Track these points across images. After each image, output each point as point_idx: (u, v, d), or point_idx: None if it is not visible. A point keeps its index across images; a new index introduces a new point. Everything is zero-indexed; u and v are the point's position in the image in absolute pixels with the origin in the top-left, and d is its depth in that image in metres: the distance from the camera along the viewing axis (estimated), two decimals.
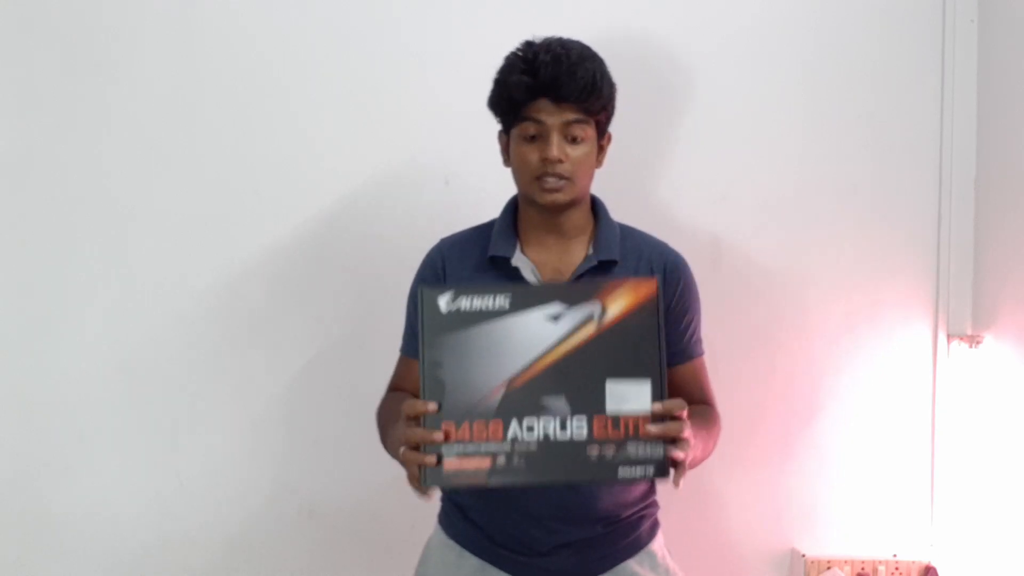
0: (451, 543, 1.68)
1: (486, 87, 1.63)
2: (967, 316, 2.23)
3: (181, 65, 2.17)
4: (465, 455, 1.39)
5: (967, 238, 2.24)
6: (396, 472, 2.09)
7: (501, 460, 1.39)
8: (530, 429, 1.40)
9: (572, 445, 1.40)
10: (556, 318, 1.41)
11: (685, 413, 1.41)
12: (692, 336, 1.69)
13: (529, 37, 1.60)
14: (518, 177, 1.62)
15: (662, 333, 1.42)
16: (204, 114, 2.17)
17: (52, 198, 2.16)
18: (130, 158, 2.17)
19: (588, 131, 1.58)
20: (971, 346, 2.19)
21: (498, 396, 1.40)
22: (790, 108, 2.24)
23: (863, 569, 2.22)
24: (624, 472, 1.40)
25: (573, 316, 1.41)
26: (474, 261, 1.65)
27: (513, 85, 1.56)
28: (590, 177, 1.63)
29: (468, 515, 1.67)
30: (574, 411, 1.40)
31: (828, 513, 2.27)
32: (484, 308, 1.41)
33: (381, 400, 1.71)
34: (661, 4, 2.22)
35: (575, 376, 1.40)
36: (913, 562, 2.23)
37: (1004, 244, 2.15)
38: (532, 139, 1.57)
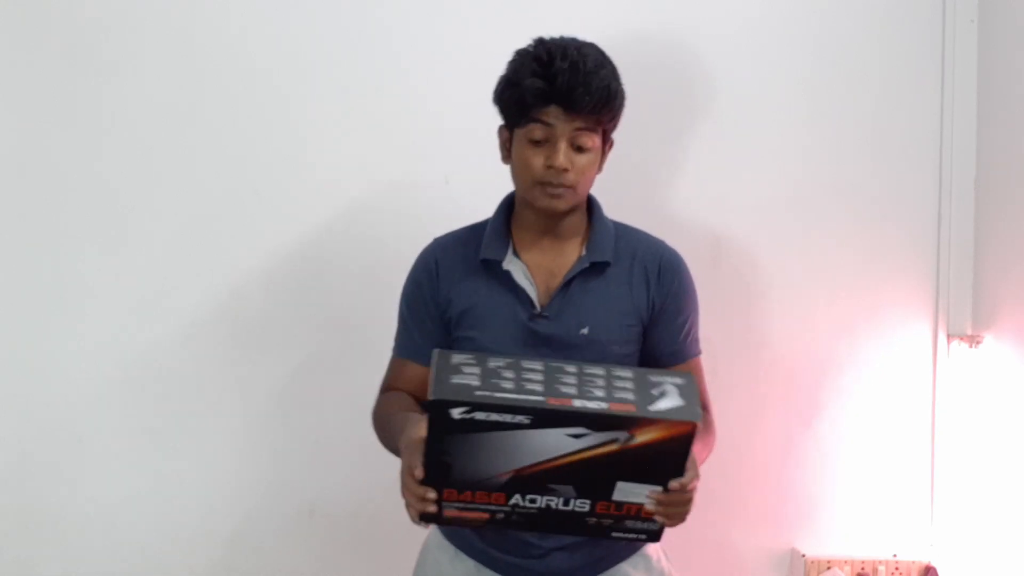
0: (447, 544, 1.67)
1: (486, 87, 1.62)
2: (967, 316, 2.23)
3: (181, 66, 2.17)
4: (466, 510, 1.40)
5: (967, 238, 2.24)
6: (396, 473, 2.09)
7: (500, 516, 1.41)
8: (532, 501, 1.40)
9: (572, 516, 1.41)
10: (578, 437, 1.35)
11: (694, 486, 1.40)
12: (688, 336, 1.67)
13: (537, 35, 1.58)
14: (519, 179, 1.60)
15: (687, 461, 1.38)
16: (203, 114, 2.17)
17: (51, 199, 2.16)
18: (129, 159, 2.16)
19: (595, 140, 1.56)
20: (971, 346, 2.19)
21: (505, 479, 1.38)
22: (790, 108, 2.24)
23: (863, 569, 2.22)
24: (617, 536, 1.45)
25: (596, 437, 1.35)
26: (467, 263, 1.63)
27: (527, 88, 1.53)
28: (591, 184, 1.62)
29: None
30: (579, 496, 1.40)
31: (828, 513, 2.26)
32: (500, 421, 1.32)
33: (377, 401, 1.70)
34: (661, 4, 2.22)
35: (587, 475, 1.38)
36: (913, 562, 2.23)
37: (1004, 244, 2.15)
38: (538, 143, 1.54)
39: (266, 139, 2.18)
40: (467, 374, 1.34)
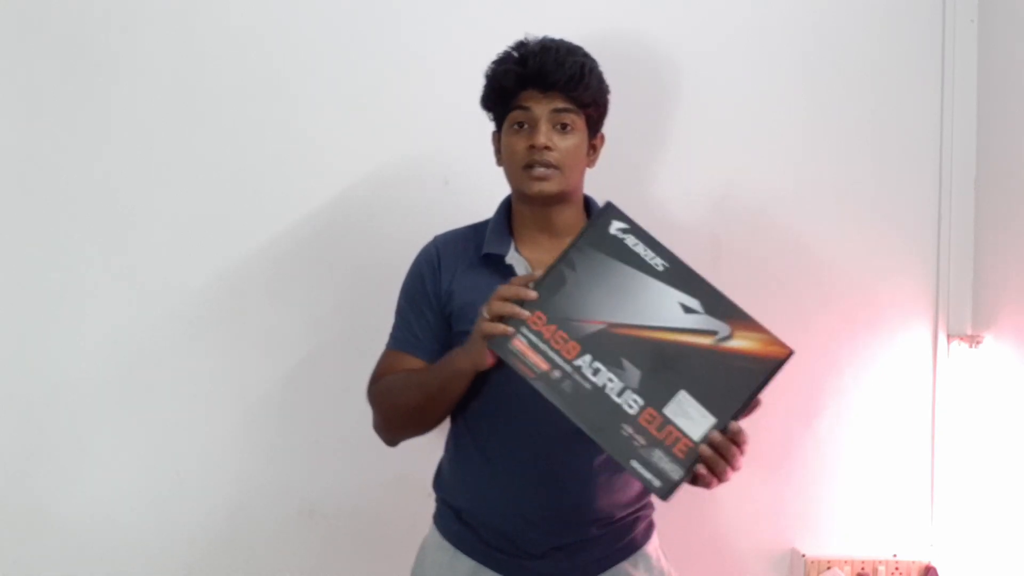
0: (445, 544, 1.68)
1: (483, 84, 1.63)
2: (967, 316, 2.23)
3: (180, 66, 2.17)
4: (534, 347, 1.42)
5: (967, 238, 2.24)
6: (396, 472, 2.10)
7: (556, 374, 1.42)
8: (595, 372, 1.41)
9: (615, 411, 1.41)
10: (688, 310, 1.42)
11: (741, 451, 1.42)
12: None
13: (536, 36, 1.62)
14: (508, 170, 1.63)
15: (756, 395, 1.42)
16: (203, 114, 2.17)
17: (51, 199, 2.16)
18: (129, 157, 2.16)
19: (578, 122, 1.59)
20: (971, 346, 2.19)
21: (593, 328, 1.42)
22: (790, 108, 2.24)
23: (863, 569, 2.22)
24: (635, 466, 1.41)
25: (702, 320, 1.42)
26: (468, 258, 1.65)
27: (501, 74, 1.60)
28: (580, 171, 1.64)
29: (462, 516, 1.66)
30: (638, 389, 1.41)
31: (828, 513, 2.26)
32: (641, 256, 1.43)
33: (378, 385, 1.68)
34: (661, 4, 2.22)
35: (662, 364, 1.41)
36: (913, 562, 2.23)
37: (1004, 244, 2.15)
38: (521, 129, 1.59)
39: (266, 139, 2.18)
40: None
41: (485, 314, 1.44)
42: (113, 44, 2.16)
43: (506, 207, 1.69)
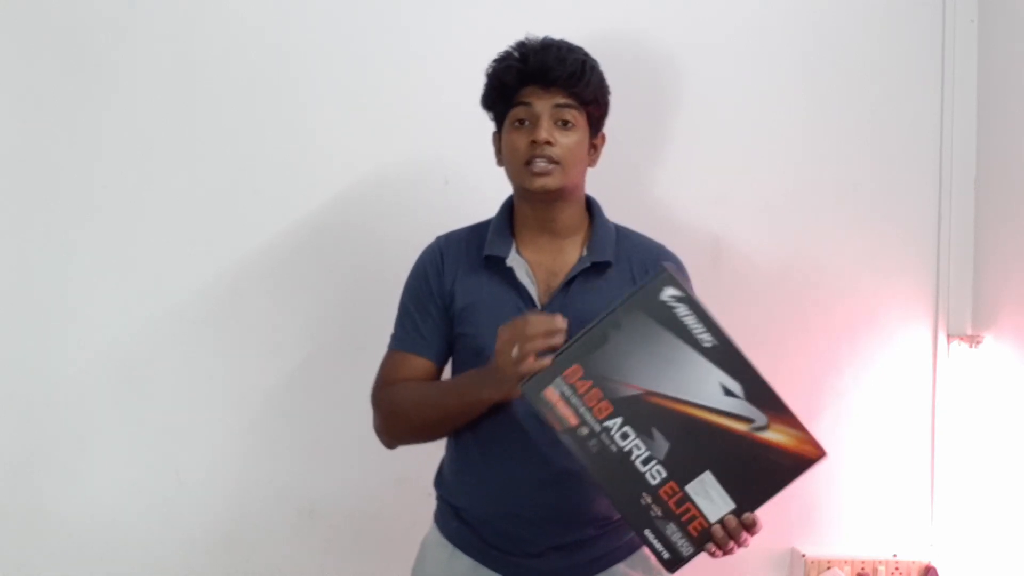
0: (445, 542, 1.68)
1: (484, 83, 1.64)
2: (967, 316, 2.23)
3: (180, 66, 2.17)
4: (566, 400, 1.40)
5: (967, 238, 2.24)
6: (396, 472, 2.09)
7: (584, 431, 1.40)
8: (623, 436, 1.40)
9: (637, 479, 1.40)
10: (727, 393, 1.40)
11: (752, 534, 1.44)
12: None
13: (536, 36, 1.62)
14: (509, 168, 1.62)
15: (778, 493, 1.42)
16: (202, 114, 2.17)
17: (51, 199, 2.16)
18: (129, 158, 2.17)
19: (579, 118, 1.59)
20: (971, 346, 2.19)
21: (629, 392, 1.40)
22: (790, 108, 2.24)
23: (863, 569, 2.22)
24: (647, 535, 1.41)
25: (741, 406, 1.40)
26: (471, 259, 1.65)
27: (503, 71, 1.60)
28: (581, 169, 1.63)
29: (461, 515, 1.66)
30: (664, 461, 1.40)
31: (828, 513, 2.26)
32: (689, 328, 1.40)
33: (387, 392, 1.66)
34: (661, 4, 2.22)
35: (692, 441, 1.40)
36: (913, 562, 2.23)
37: (1004, 244, 2.15)
38: (522, 126, 1.59)
39: (266, 139, 2.18)
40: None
41: (515, 352, 1.41)
42: (113, 45, 2.16)
43: (507, 208, 1.69)
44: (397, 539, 2.01)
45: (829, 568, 2.21)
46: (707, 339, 1.40)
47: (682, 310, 1.40)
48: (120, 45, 2.16)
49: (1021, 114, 2.09)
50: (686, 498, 1.40)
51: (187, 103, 2.17)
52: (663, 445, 1.39)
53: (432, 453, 1.76)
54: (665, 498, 1.40)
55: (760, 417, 1.40)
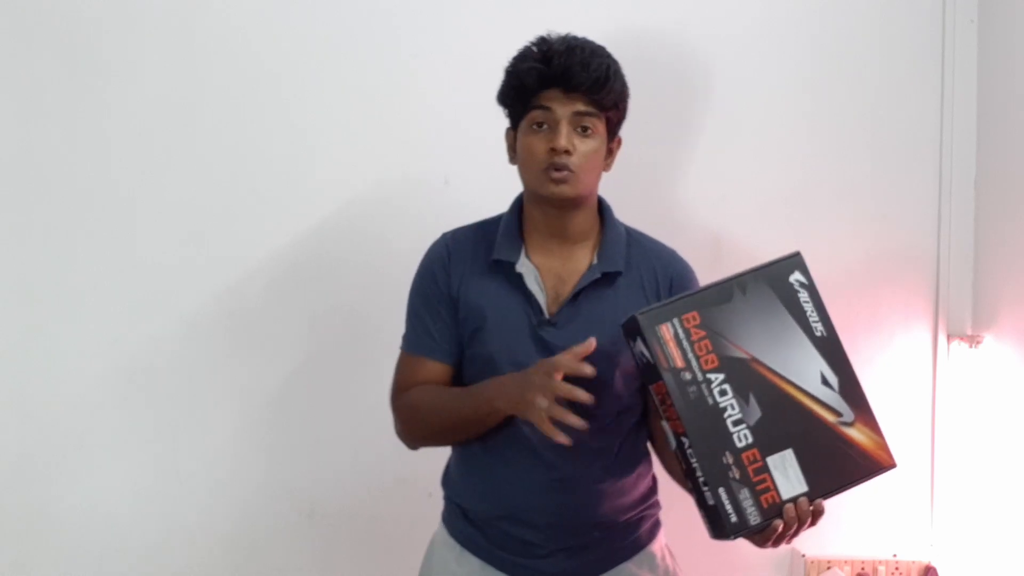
0: (452, 542, 1.67)
1: (487, 87, 1.62)
2: (967, 316, 2.23)
3: (181, 65, 2.17)
4: (678, 342, 1.42)
5: (967, 238, 2.24)
6: (396, 473, 2.09)
7: (687, 375, 1.43)
8: (722, 393, 1.42)
9: (725, 436, 1.42)
10: (824, 383, 1.47)
11: (813, 523, 1.46)
12: None
13: (537, 34, 1.59)
14: (524, 170, 1.59)
15: (848, 489, 1.47)
16: (204, 113, 2.17)
17: (51, 199, 2.16)
18: (129, 159, 2.16)
19: (598, 125, 1.56)
20: (971, 346, 2.19)
21: (737, 352, 1.44)
22: (790, 108, 2.25)
23: (863, 569, 2.22)
24: (720, 493, 1.42)
25: (834, 398, 1.47)
26: (477, 261, 1.62)
27: (524, 72, 1.55)
28: (597, 176, 1.60)
29: (468, 516, 1.66)
30: (752, 429, 1.42)
31: (828, 513, 2.25)
32: (806, 314, 1.48)
33: (405, 398, 1.64)
34: (661, 4, 2.22)
35: (782, 418, 1.43)
36: (913, 562, 2.23)
37: (1004, 244, 2.15)
38: (540, 129, 1.54)
39: (266, 139, 2.18)
40: None
41: (541, 401, 1.41)
42: (114, 47, 2.16)
43: (518, 208, 1.66)
44: (397, 539, 2.01)
45: (829, 568, 2.21)
46: (819, 328, 1.47)
47: (804, 295, 1.48)
48: (121, 46, 2.16)
49: (1021, 114, 2.09)
50: (765, 468, 1.42)
51: (188, 103, 2.17)
52: (756, 412, 1.42)
53: (432, 454, 1.76)
54: (746, 463, 1.42)
55: (849, 413, 1.46)
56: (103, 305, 2.17)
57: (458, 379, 1.66)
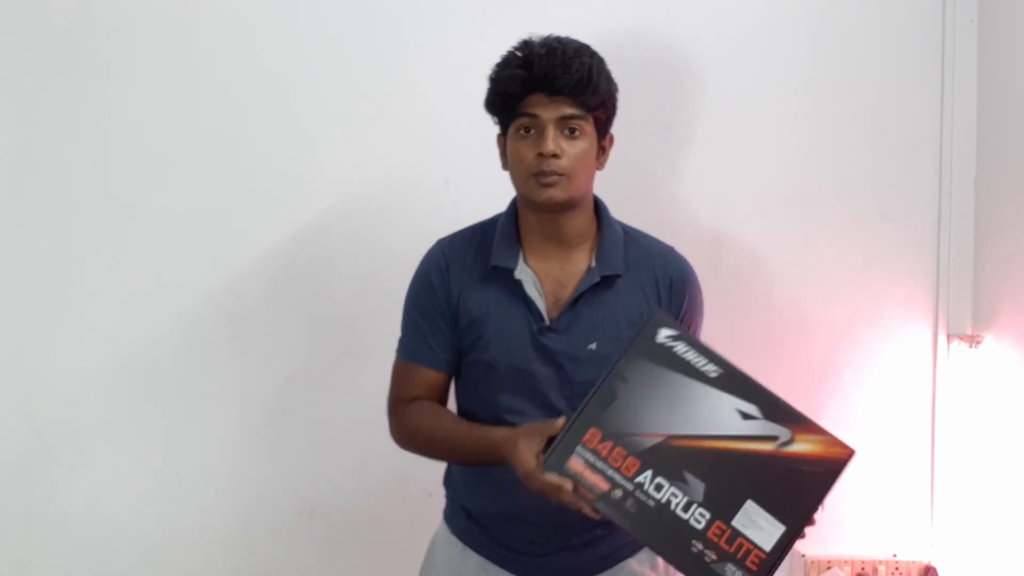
0: (454, 540, 1.68)
1: (487, 87, 1.63)
2: (967, 316, 2.23)
3: (181, 65, 2.17)
4: (592, 467, 1.38)
5: (967, 238, 2.24)
6: (396, 473, 2.09)
7: (618, 493, 1.38)
8: (658, 488, 1.38)
9: (683, 527, 1.37)
10: (746, 417, 1.40)
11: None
12: None
13: (534, 35, 1.59)
14: (515, 177, 1.58)
15: (824, 498, 1.40)
16: (204, 114, 2.17)
17: (51, 199, 2.16)
18: (129, 159, 2.16)
19: (586, 127, 1.55)
20: (971, 346, 2.19)
21: (652, 441, 1.38)
22: (790, 108, 2.24)
23: (863, 569, 2.22)
24: None
25: (761, 426, 1.39)
26: (475, 268, 1.62)
27: (507, 79, 1.54)
28: (589, 177, 1.59)
29: (471, 515, 1.66)
30: (704, 503, 1.38)
31: (828, 513, 2.25)
32: (692, 364, 1.40)
33: (403, 412, 1.65)
34: (661, 4, 2.22)
35: (726, 474, 1.38)
36: (913, 562, 2.23)
37: (1004, 244, 2.15)
38: (528, 135, 1.54)
39: (265, 139, 2.18)
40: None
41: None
42: (113, 47, 2.16)
43: (513, 212, 1.65)
44: (397, 539, 2.02)
45: (829, 568, 2.21)
46: (712, 369, 1.40)
47: (681, 347, 1.41)
48: (121, 47, 2.16)
49: (1021, 114, 2.09)
50: (736, 534, 1.37)
51: (188, 103, 2.17)
52: (699, 486, 1.37)
53: None
54: (715, 540, 1.37)
55: (783, 432, 1.39)
56: (103, 305, 2.17)
57: (456, 384, 1.67)
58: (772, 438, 1.39)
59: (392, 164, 2.19)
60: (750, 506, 1.38)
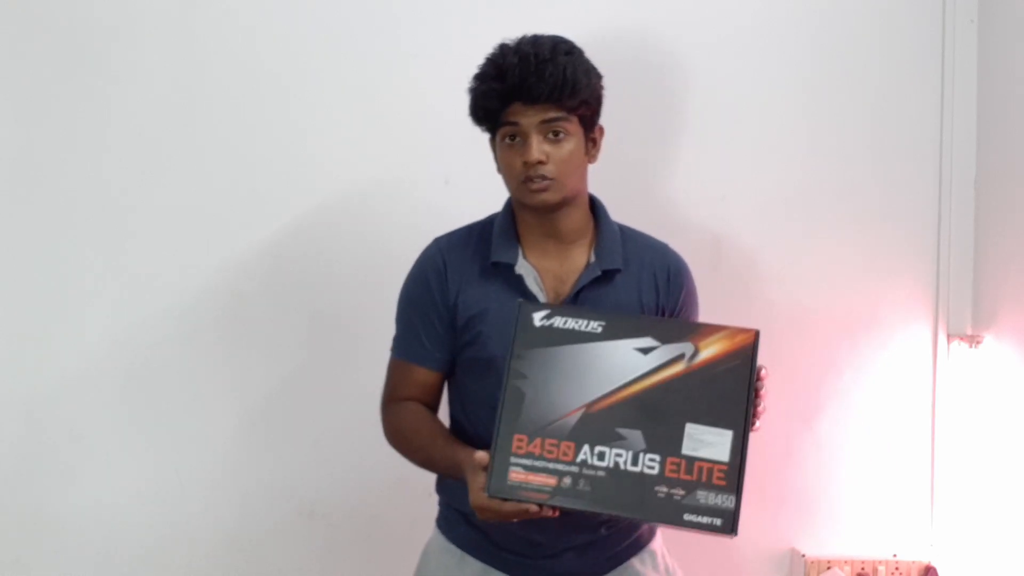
0: (451, 547, 1.67)
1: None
2: (967, 316, 2.23)
3: (181, 66, 2.17)
4: (532, 470, 1.39)
5: (967, 238, 2.24)
6: (396, 473, 2.09)
7: (567, 481, 1.38)
8: (600, 456, 1.38)
9: (641, 479, 1.37)
10: (646, 351, 1.41)
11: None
12: None
13: (505, 39, 1.58)
14: (506, 183, 1.60)
15: (752, 385, 1.40)
16: (203, 114, 2.17)
17: (51, 198, 2.16)
18: (129, 158, 2.16)
19: (570, 126, 1.54)
20: (971, 346, 2.19)
21: (574, 418, 1.39)
22: (790, 108, 2.24)
23: (863, 569, 2.22)
24: (689, 518, 1.37)
25: (663, 352, 1.40)
26: (474, 266, 1.62)
27: (483, 94, 1.55)
28: (581, 174, 1.59)
29: (470, 519, 1.65)
30: (648, 448, 1.38)
31: (828, 513, 2.26)
32: (576, 329, 1.42)
33: (390, 411, 1.66)
34: (661, 3, 2.22)
35: (655, 412, 1.39)
36: (913, 562, 2.23)
37: (1004, 244, 2.15)
38: (513, 141, 1.54)
39: (265, 138, 2.18)
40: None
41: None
42: (113, 46, 2.16)
43: (510, 211, 1.65)
44: (397, 539, 2.01)
45: (829, 568, 2.21)
46: (595, 325, 1.43)
47: (559, 320, 1.44)
48: (121, 46, 2.16)
49: (1021, 114, 2.09)
50: (692, 460, 1.38)
51: (187, 103, 2.17)
52: (636, 436, 1.38)
53: None
54: (674, 475, 1.37)
55: (686, 347, 1.41)
56: (103, 305, 2.17)
57: (451, 381, 1.67)
58: (678, 358, 1.40)
59: (392, 164, 2.19)
60: (691, 429, 1.39)
